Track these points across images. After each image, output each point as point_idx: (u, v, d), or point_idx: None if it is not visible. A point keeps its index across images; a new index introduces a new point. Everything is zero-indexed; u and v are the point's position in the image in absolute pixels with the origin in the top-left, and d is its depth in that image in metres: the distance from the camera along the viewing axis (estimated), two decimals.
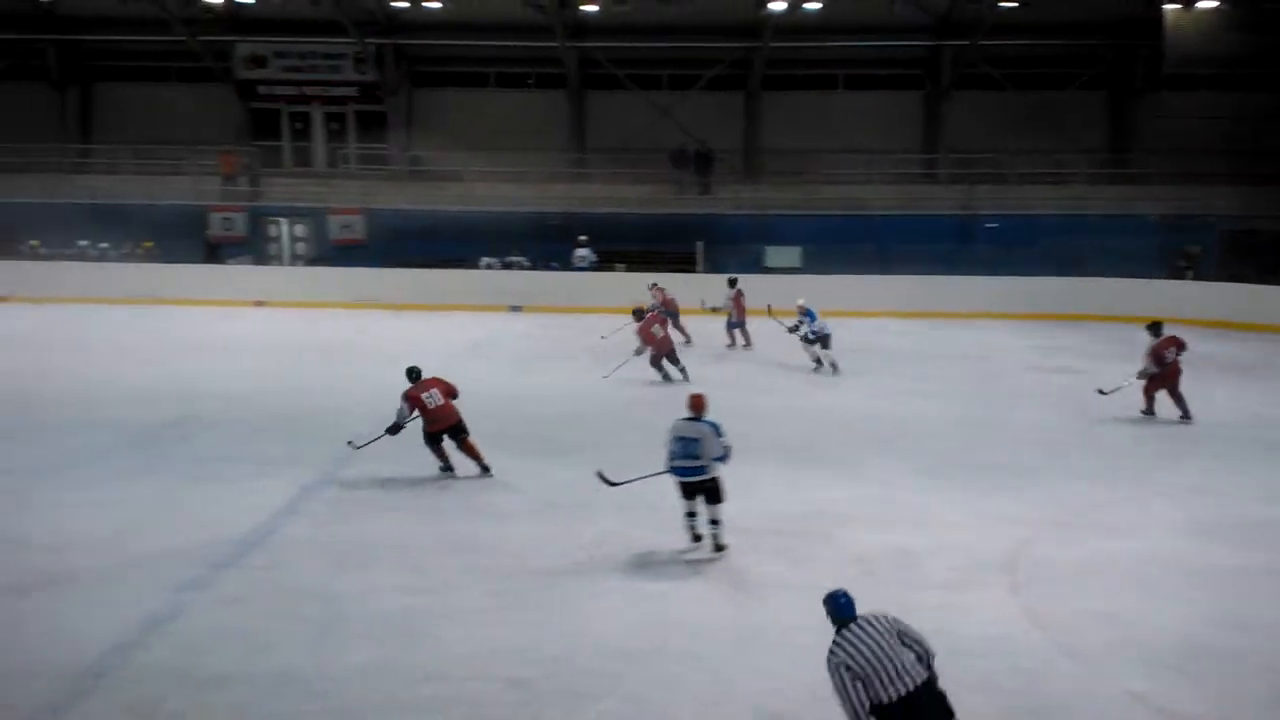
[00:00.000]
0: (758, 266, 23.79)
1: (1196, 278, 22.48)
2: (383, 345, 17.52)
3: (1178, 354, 12.81)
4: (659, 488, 8.85)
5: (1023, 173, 25.29)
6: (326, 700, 6.10)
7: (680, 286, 19.12)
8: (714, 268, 23.43)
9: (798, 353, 16.08)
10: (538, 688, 6.25)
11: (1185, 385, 12.94)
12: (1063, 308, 21.71)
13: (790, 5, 23.28)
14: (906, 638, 5.12)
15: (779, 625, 6.98)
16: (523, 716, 5.96)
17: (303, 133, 28.43)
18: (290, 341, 18.56)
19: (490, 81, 28.18)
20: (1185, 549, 8.59)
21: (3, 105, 27.66)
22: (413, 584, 7.76)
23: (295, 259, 26.04)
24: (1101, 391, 13.20)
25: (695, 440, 8.22)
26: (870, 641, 4.99)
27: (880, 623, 5.12)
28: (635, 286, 19.69)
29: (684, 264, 23.57)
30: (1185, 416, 12.84)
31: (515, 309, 22.78)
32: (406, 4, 25.01)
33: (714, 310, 18.20)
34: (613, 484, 8.84)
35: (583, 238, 23.68)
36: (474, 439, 10.46)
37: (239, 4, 25.63)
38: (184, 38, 25.96)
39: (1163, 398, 12.91)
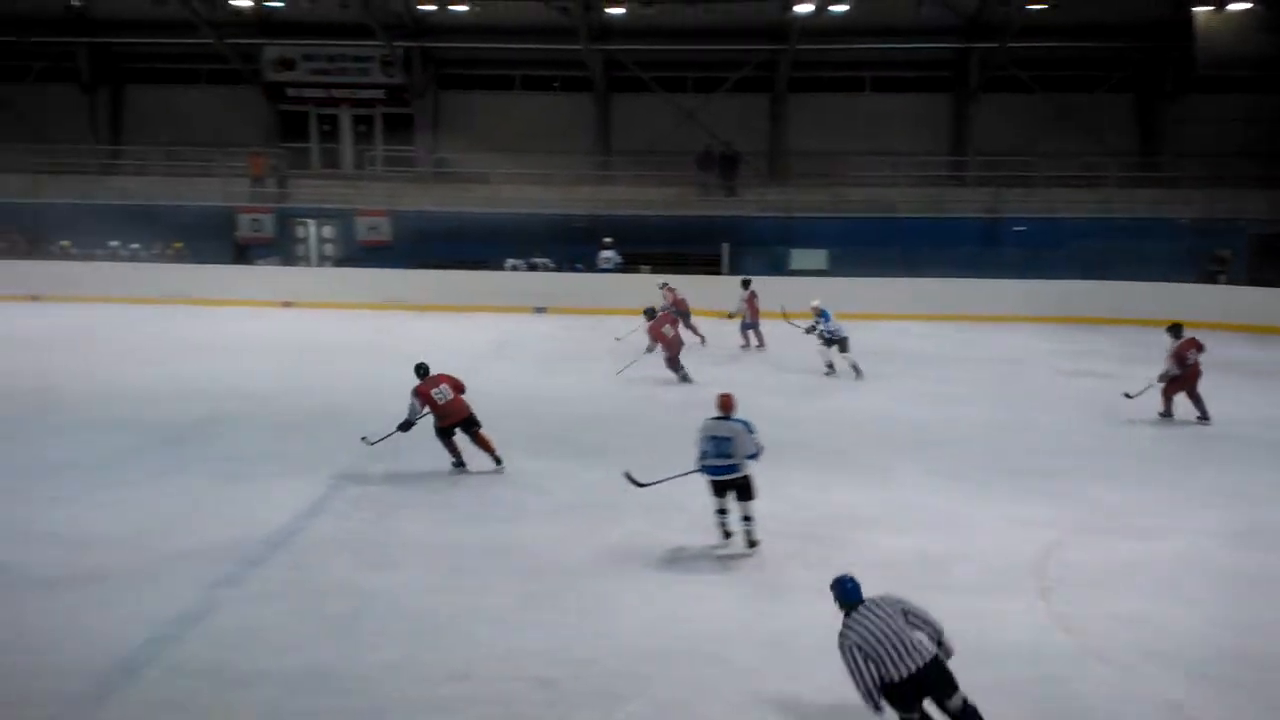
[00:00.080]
0: (783, 269, 23.75)
1: (1229, 282, 22.27)
2: (408, 346, 17.50)
3: (1197, 355, 12.84)
4: (687, 488, 8.86)
5: (1051, 176, 25.11)
6: (354, 698, 6.13)
7: (709, 288, 19.12)
8: (739, 270, 23.39)
9: (815, 355, 15.96)
10: (565, 688, 6.26)
11: (1210, 387, 12.89)
12: (1092, 311, 21.56)
13: (817, 7, 23.23)
14: (912, 617, 5.39)
15: (807, 628, 6.93)
16: (550, 717, 5.97)
17: (330, 135, 28.63)
18: (317, 342, 18.69)
19: (516, 84, 28.29)
20: (1216, 553, 8.51)
21: (35, 107, 28.08)
22: (439, 583, 7.79)
23: (322, 260, 26.22)
24: (1128, 395, 13.15)
25: (728, 439, 8.27)
26: (879, 623, 5.26)
27: (886, 605, 5.40)
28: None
29: (709, 266, 23.57)
30: (1203, 417, 12.84)
31: (539, 310, 22.85)
32: (434, 7, 25.14)
33: (730, 316, 18.29)
34: (641, 485, 8.87)
35: (608, 240, 23.72)
36: (486, 432, 10.56)
37: (268, 7, 25.86)
38: (213, 41, 26.20)
39: (1180, 400, 12.91)
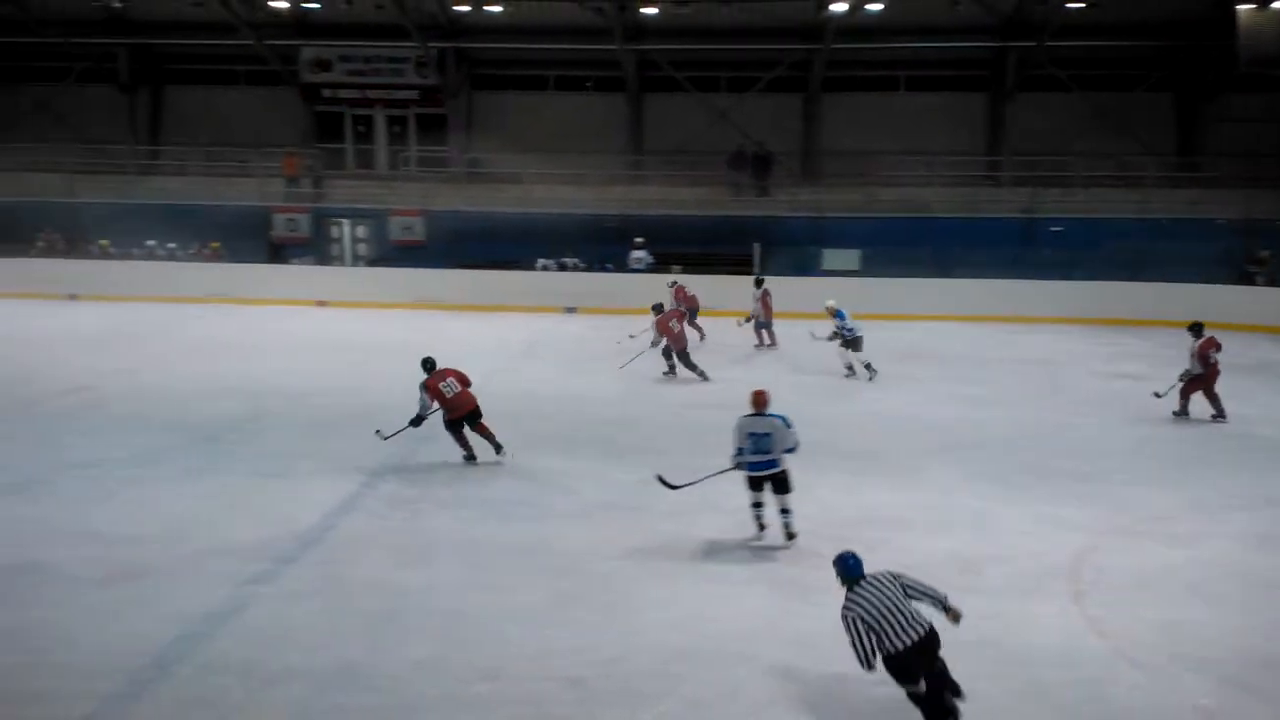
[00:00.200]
0: (816, 269, 23.66)
1: (1267, 283, 21.93)
2: (441, 345, 17.57)
3: (1217, 355, 12.92)
4: (718, 488, 8.88)
5: (1088, 175, 24.84)
6: (384, 696, 6.16)
7: (738, 288, 19.10)
8: (772, 270, 23.32)
9: (831, 355, 15.82)
10: (595, 687, 6.26)
11: (1242, 390, 12.92)
12: (1129, 313, 21.30)
13: (852, 7, 23.12)
14: (911, 590, 5.73)
15: (836, 629, 6.84)
16: (580, 716, 5.98)
17: (365, 135, 28.85)
18: (351, 341, 18.82)
19: (549, 84, 28.37)
20: (1250, 558, 8.40)
21: (75, 108, 28.52)
22: (471, 581, 7.82)
23: (357, 260, 26.43)
24: (1157, 395, 13.16)
25: (767, 435, 8.34)
26: (880, 596, 5.60)
27: (886, 579, 5.73)
28: (692, 288, 19.71)
29: (741, 266, 23.50)
30: (1220, 416, 12.92)
31: (570, 310, 22.89)
32: (468, 8, 25.28)
33: (745, 320, 18.37)
34: (674, 487, 8.91)
35: (639, 240, 23.72)
36: (485, 422, 10.83)
37: (305, 9, 26.10)
38: (251, 42, 26.48)
39: (1195, 398, 13.01)
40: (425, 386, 10.65)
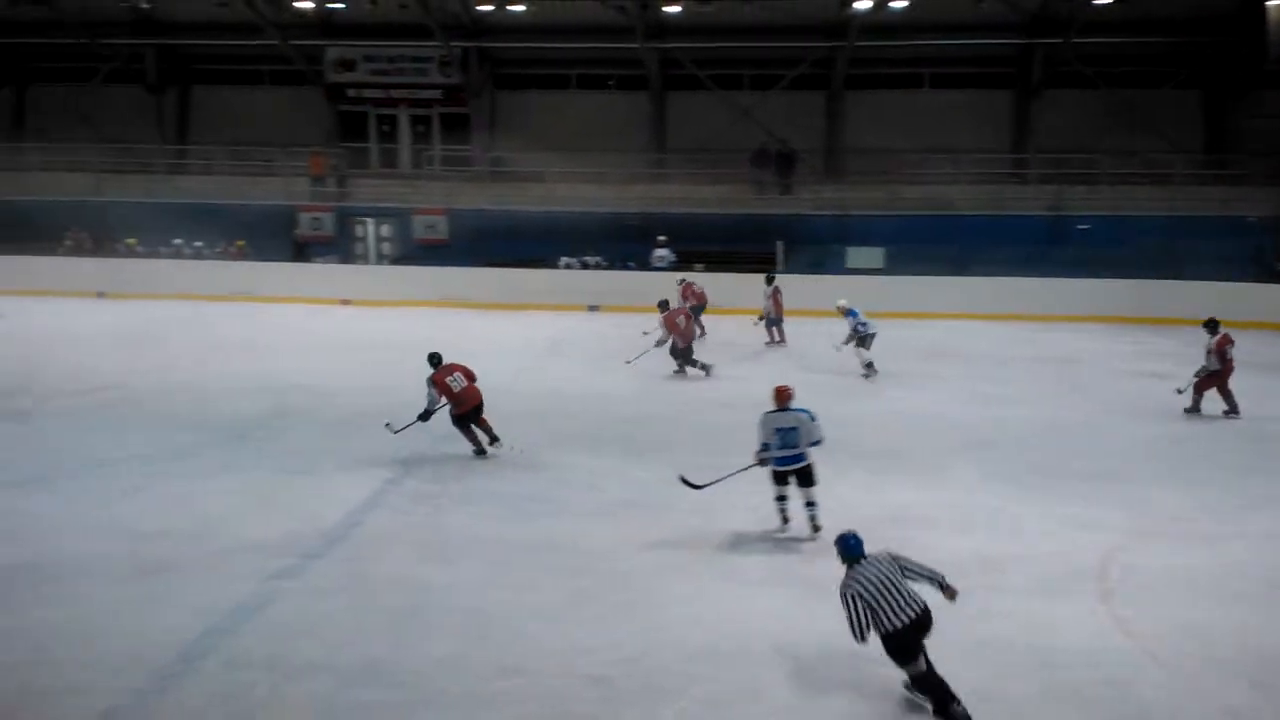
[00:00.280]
0: (840, 267, 23.58)
1: None
2: (464, 344, 17.67)
3: (1232, 350, 13.01)
4: (740, 486, 8.88)
5: (1115, 173, 24.61)
6: (407, 692, 6.19)
7: (759, 287, 19.10)
8: (795, 268, 23.30)
9: (845, 353, 15.72)
10: (617, 686, 6.26)
11: (1267, 389, 12.63)
12: (1157, 311, 21.11)
13: (875, 4, 23.02)
14: (909, 570, 5.95)
15: None
16: (602, 714, 5.98)
17: (389, 135, 28.99)
18: (375, 339, 18.91)
19: (572, 83, 28.42)
20: (1277, 559, 8.31)
21: (103, 108, 28.80)
22: (493, 578, 7.84)
23: (380, 258, 26.58)
24: (1179, 391, 13.19)
25: (793, 429, 8.43)
26: (879, 575, 5.82)
27: (884, 559, 5.97)
28: (712, 286, 19.74)
29: (764, 264, 23.43)
30: (1233, 411, 12.98)
31: (593, 308, 22.91)
32: (491, 7, 25.33)
33: (760, 318, 18.44)
34: (697, 487, 8.93)
35: (662, 238, 23.73)
36: (486, 416, 10.98)
37: (329, 9, 26.25)
38: (276, 42, 26.66)
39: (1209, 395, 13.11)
40: (432, 381, 10.80)
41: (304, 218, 26.17)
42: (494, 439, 11.00)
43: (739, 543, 8.58)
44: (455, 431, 11.01)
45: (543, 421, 12.67)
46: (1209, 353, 12.97)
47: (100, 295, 23.41)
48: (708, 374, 15.39)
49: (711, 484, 8.93)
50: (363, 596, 7.51)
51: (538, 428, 12.32)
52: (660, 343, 15.50)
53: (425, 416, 10.84)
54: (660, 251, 23.63)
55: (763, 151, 26.24)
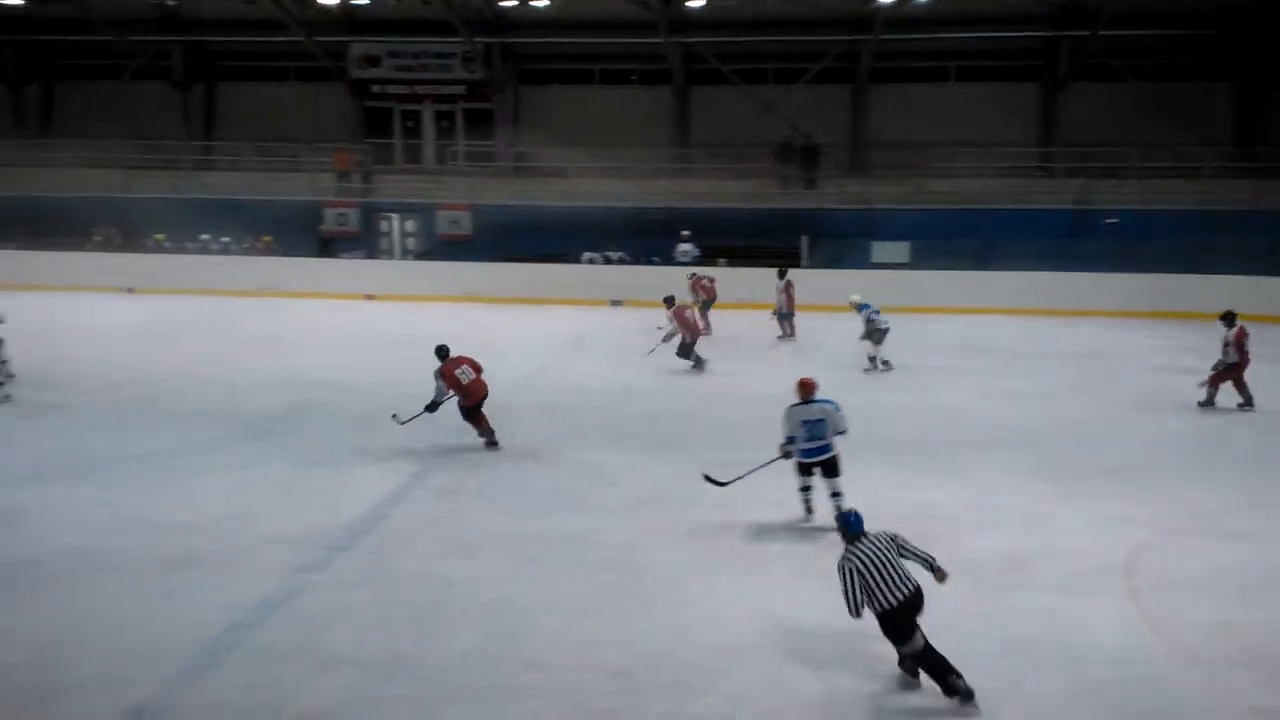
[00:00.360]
0: (865, 262, 23.45)
1: None
2: (487, 339, 17.71)
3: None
4: (763, 482, 8.85)
5: (1144, 166, 24.34)
6: (433, 685, 6.21)
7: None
8: (819, 263, 23.22)
9: (862, 346, 15.75)
10: (640, 680, 6.25)
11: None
12: (1186, 306, 20.85)
13: None
14: (904, 550, 6.12)
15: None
16: (624, 708, 5.98)
17: (413, 130, 29.11)
18: (399, 334, 18.95)
19: (595, 78, 28.42)
20: None
21: (130, 104, 29.06)
22: (517, 573, 7.85)
23: (405, 254, 26.67)
24: (1202, 385, 13.15)
25: (820, 420, 8.52)
26: (876, 552, 6.00)
27: (882, 538, 6.14)
28: (738, 281, 19.72)
29: (788, 259, 23.35)
30: (1248, 404, 13.00)
31: (616, 303, 22.90)
32: (514, 2, 25.37)
33: (774, 313, 18.49)
34: (721, 484, 8.94)
35: (685, 233, 23.68)
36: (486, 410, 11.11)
37: (354, 5, 26.35)
38: (302, 38, 26.79)
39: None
40: (441, 374, 10.87)
41: (329, 213, 26.33)
42: (495, 442, 11.12)
43: (762, 538, 8.55)
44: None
45: (565, 416, 12.69)
46: (1227, 345, 12.95)
47: (128, 291, 23.60)
48: (699, 369, 15.42)
49: (735, 480, 8.92)
50: (387, 590, 7.54)
51: (560, 422, 12.33)
52: (669, 337, 15.54)
53: (432, 408, 10.92)
54: (684, 246, 23.60)
55: (787, 145, 26.15)
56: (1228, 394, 13.11)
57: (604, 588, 7.59)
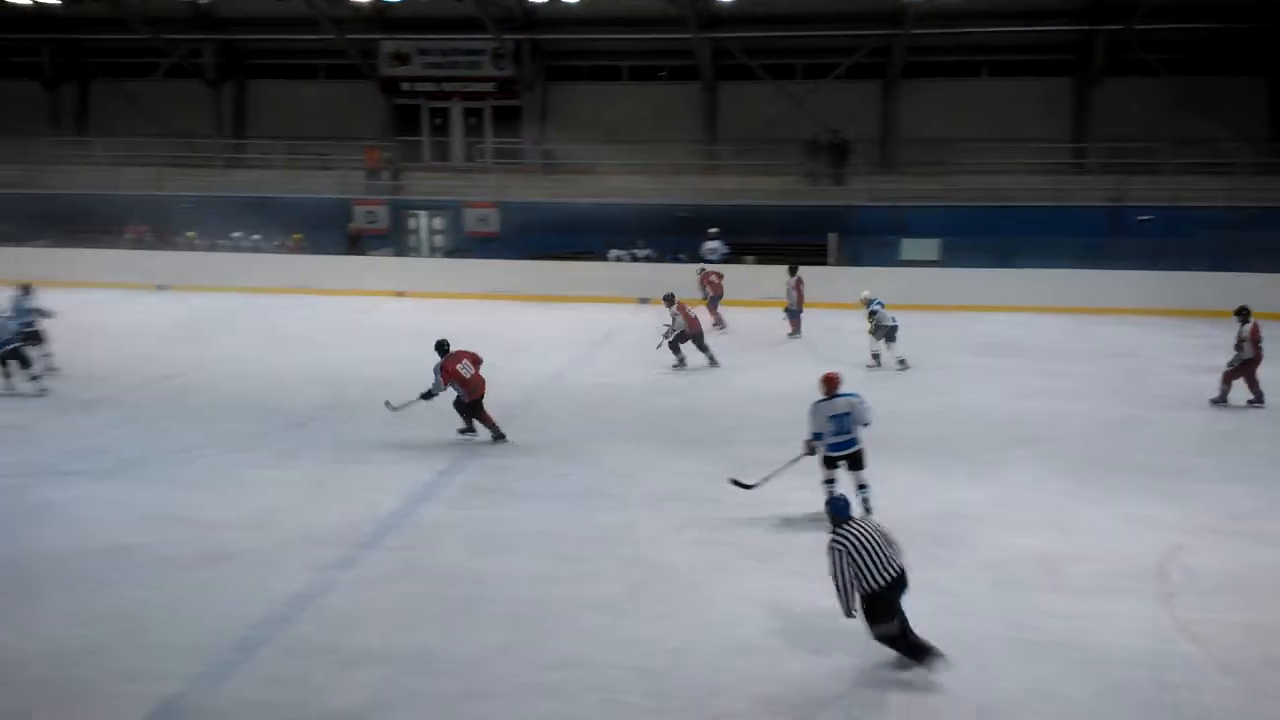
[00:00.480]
0: (894, 259, 23.31)
1: None
2: (515, 336, 17.85)
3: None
4: (789, 481, 8.82)
5: (1179, 162, 24.00)
6: (462, 681, 6.25)
7: (813, 280, 19.00)
8: (848, 260, 23.11)
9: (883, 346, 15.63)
10: (668, 677, 6.28)
11: None
12: (1218, 304, 20.44)
13: None
14: (890, 536, 6.32)
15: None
16: (653, 705, 6.00)
17: (441, 128, 29.20)
18: (428, 331, 18.82)
19: (623, 75, 28.38)
20: None
21: (163, 102, 29.35)
22: (546, 571, 7.89)
23: (433, 251, 26.79)
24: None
25: (847, 414, 8.61)
26: (864, 535, 6.19)
27: (870, 522, 6.46)
28: (766, 279, 19.66)
29: (816, 256, 23.28)
30: (1258, 401, 12.97)
31: (643, 301, 22.87)
32: None
33: (786, 309, 18.45)
34: (748, 486, 8.96)
35: (713, 230, 23.60)
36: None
37: (385, 3, 26.48)
38: (332, 36, 26.94)
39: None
40: (441, 369, 11.00)
41: (359, 211, 26.48)
42: (471, 430, 11.31)
43: (787, 536, 8.55)
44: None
45: (592, 414, 12.73)
46: (1243, 341, 12.92)
47: (160, 288, 23.84)
48: (679, 366, 15.46)
49: (762, 482, 8.91)
50: (417, 586, 7.60)
51: (587, 420, 12.37)
52: (668, 336, 15.59)
53: (428, 396, 11.12)
54: (711, 244, 23.51)
55: (816, 142, 26.02)
56: (1238, 390, 13.05)
57: (633, 585, 7.62)
